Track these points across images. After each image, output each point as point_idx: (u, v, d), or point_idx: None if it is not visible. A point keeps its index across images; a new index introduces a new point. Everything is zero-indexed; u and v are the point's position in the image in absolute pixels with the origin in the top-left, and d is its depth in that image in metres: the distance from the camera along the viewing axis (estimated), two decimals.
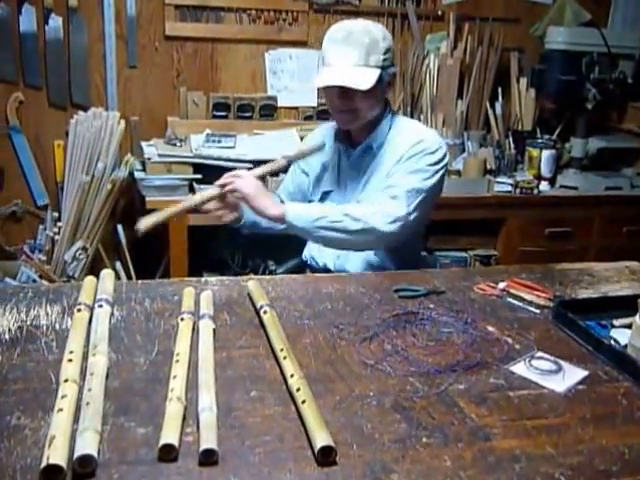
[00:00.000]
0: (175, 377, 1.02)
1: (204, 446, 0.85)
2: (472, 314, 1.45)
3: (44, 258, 2.70)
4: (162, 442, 0.86)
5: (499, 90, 3.24)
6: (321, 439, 0.89)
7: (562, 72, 3.03)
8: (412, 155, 1.69)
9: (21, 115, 2.85)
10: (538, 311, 1.49)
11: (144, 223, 1.59)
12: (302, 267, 1.99)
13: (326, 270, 1.85)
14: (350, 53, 1.63)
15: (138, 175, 2.65)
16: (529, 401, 1.10)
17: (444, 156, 1.73)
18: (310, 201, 1.88)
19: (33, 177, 2.91)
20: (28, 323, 1.25)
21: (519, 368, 1.22)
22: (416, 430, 0.99)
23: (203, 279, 1.57)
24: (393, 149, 1.74)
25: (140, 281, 1.53)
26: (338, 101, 1.67)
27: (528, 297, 1.56)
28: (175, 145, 2.68)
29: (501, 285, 1.62)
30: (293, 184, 1.94)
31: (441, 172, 1.73)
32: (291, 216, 1.62)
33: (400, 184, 1.66)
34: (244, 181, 1.66)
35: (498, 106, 3.22)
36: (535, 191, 2.98)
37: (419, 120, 3.16)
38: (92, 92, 2.91)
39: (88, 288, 1.35)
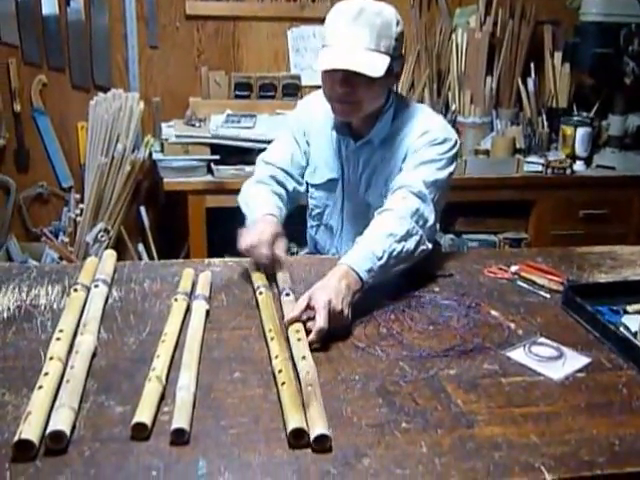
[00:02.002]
0: (158, 357, 1.05)
1: (174, 425, 0.88)
2: (477, 298, 1.44)
3: (67, 240, 2.77)
4: (134, 420, 0.89)
5: (532, 65, 3.15)
6: (293, 421, 0.90)
7: (599, 45, 2.93)
8: (419, 148, 1.57)
9: (45, 97, 2.92)
10: (548, 296, 1.47)
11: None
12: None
13: None
14: (359, 34, 1.47)
15: (156, 156, 2.70)
16: (521, 388, 1.09)
17: (454, 145, 1.60)
18: (310, 185, 1.78)
19: (57, 159, 2.99)
20: (27, 302, 1.30)
21: (517, 354, 1.21)
22: (397, 415, 0.99)
23: (207, 260, 1.60)
24: (398, 144, 1.62)
25: (143, 261, 1.57)
26: (340, 89, 1.51)
27: (540, 281, 1.54)
28: (194, 126, 2.71)
29: (513, 268, 1.60)
30: (292, 156, 1.74)
31: (454, 162, 1.61)
32: (370, 281, 1.34)
33: (414, 180, 1.52)
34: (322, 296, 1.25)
35: (530, 82, 3.14)
36: (568, 171, 2.92)
37: (447, 99, 3.12)
38: (114, 73, 2.96)
39: (88, 269, 1.39)
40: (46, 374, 0.96)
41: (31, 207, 3.04)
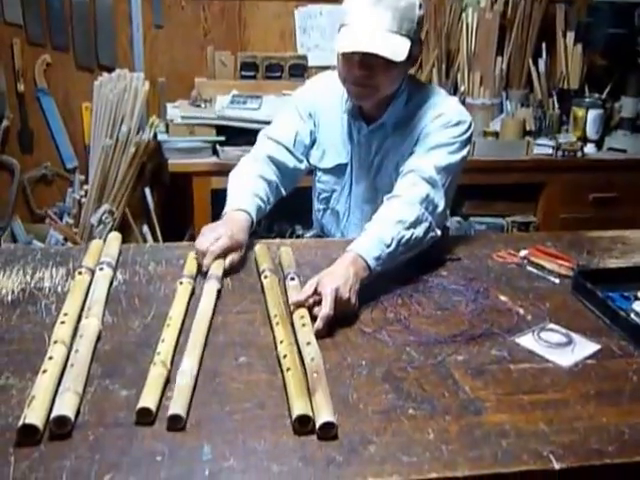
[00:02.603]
0: (163, 341, 1.04)
1: (170, 411, 0.87)
2: (485, 283, 1.43)
3: (72, 221, 2.77)
4: (139, 405, 0.88)
5: (543, 46, 3.12)
6: (299, 408, 0.90)
7: (612, 25, 2.90)
8: (432, 131, 1.55)
9: (49, 78, 2.91)
10: (558, 281, 1.46)
11: None
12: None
13: None
14: (382, 15, 1.42)
15: (161, 137, 2.69)
16: (530, 375, 1.09)
17: (468, 128, 1.57)
18: (318, 169, 1.76)
19: (62, 140, 2.97)
20: (32, 285, 1.30)
21: (526, 340, 1.20)
22: (404, 401, 0.99)
23: None
24: (411, 127, 1.59)
25: (148, 244, 1.57)
26: (358, 71, 1.47)
27: (549, 266, 1.52)
28: (199, 106, 2.69)
29: (522, 253, 1.59)
30: (296, 134, 1.70)
31: (467, 145, 1.58)
32: (377, 268, 1.33)
33: (425, 164, 1.49)
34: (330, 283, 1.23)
35: (542, 63, 3.11)
36: (579, 154, 2.89)
37: (455, 79, 3.09)
38: (119, 53, 2.93)
39: (93, 251, 1.39)
40: (50, 358, 0.96)
41: (35, 188, 3.03)
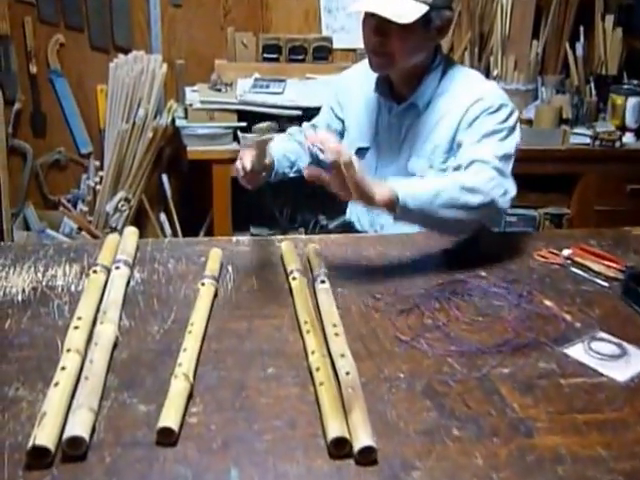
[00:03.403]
0: (185, 350, 0.98)
1: (160, 424, 0.82)
2: (529, 285, 1.35)
3: (86, 209, 2.72)
4: (160, 425, 0.82)
5: (581, 29, 3.01)
6: (333, 430, 0.83)
7: None
8: (475, 117, 1.49)
9: (62, 58, 2.85)
10: (606, 284, 1.38)
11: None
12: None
13: None
14: None
15: (179, 123, 2.62)
16: (583, 391, 1.01)
17: (512, 112, 1.52)
18: None
19: (76, 124, 2.92)
20: (44, 284, 1.24)
21: (576, 351, 1.13)
22: (447, 420, 0.92)
23: (234, 239, 1.53)
24: (445, 109, 1.55)
25: (167, 239, 1.52)
26: (374, 37, 1.47)
27: (596, 267, 1.44)
28: (220, 91, 2.63)
29: (565, 252, 1.51)
30: (327, 128, 1.77)
31: (517, 129, 1.52)
32: (405, 198, 1.26)
33: (484, 153, 1.42)
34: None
35: (579, 47, 3.00)
36: (617, 144, 2.79)
37: (488, 63, 2.99)
38: (135, 34, 2.88)
39: (109, 247, 1.32)
40: (63, 368, 0.90)
41: (48, 174, 2.99)
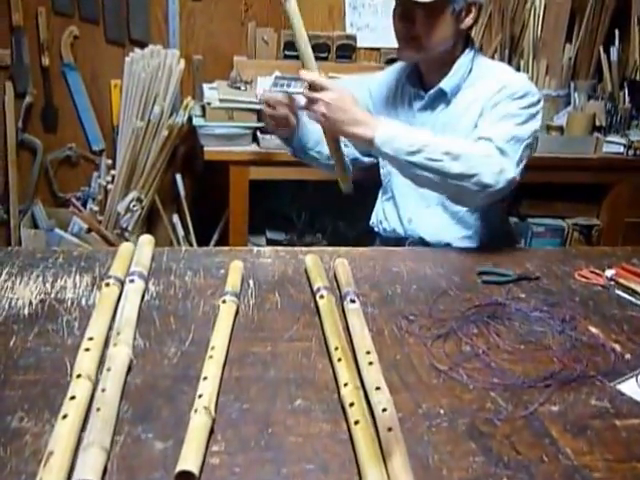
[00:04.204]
0: (206, 379, 0.90)
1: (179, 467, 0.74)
2: (571, 309, 1.28)
3: (96, 208, 2.65)
4: (179, 468, 0.74)
5: (616, 33, 2.92)
6: (373, 478, 0.75)
7: None
8: (497, 102, 1.51)
9: (76, 51, 2.78)
10: None
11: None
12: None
13: (396, 237, 1.72)
14: None
15: (197, 121, 2.53)
16: None
17: (538, 101, 1.54)
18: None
19: (88, 119, 2.85)
20: (52, 296, 1.17)
21: (629, 387, 1.04)
22: (495, 467, 0.84)
23: (255, 249, 1.46)
24: (472, 98, 1.57)
25: (184, 248, 1.44)
26: (399, 24, 1.54)
27: None
28: (239, 89, 2.55)
29: (608, 273, 1.43)
30: None
31: (537, 117, 1.54)
32: (381, 138, 1.38)
33: (493, 135, 1.45)
34: (333, 97, 1.43)
35: (614, 51, 2.91)
36: None
37: (518, 67, 2.90)
38: (152, 27, 2.80)
39: (123, 257, 1.25)
40: (72, 398, 0.82)
41: (59, 170, 2.92)
